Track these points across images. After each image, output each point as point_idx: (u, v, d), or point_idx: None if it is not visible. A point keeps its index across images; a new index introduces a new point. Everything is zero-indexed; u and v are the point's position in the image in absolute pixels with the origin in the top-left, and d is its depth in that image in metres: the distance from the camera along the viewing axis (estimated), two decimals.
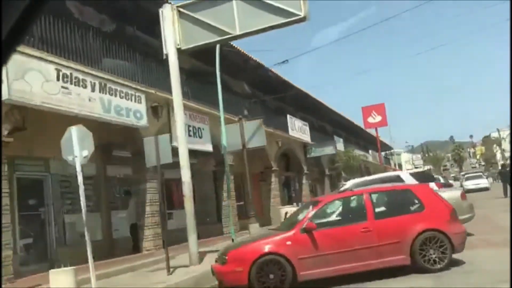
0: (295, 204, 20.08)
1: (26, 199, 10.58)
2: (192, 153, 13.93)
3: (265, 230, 11.15)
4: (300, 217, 8.32)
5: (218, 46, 13.02)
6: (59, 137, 11.14)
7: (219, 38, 10.85)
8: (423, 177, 13.08)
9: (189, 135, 14.08)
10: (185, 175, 10.54)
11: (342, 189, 13.28)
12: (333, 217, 7.74)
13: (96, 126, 11.67)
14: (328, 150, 25.78)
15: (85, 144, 7.35)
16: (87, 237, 7.36)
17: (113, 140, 12.60)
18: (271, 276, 7.01)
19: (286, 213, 13.62)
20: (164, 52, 11.13)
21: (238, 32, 10.54)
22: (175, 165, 12.95)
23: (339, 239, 7.24)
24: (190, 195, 10.53)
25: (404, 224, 7.31)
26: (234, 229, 16.81)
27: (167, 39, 10.85)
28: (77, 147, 7.33)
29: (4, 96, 8.38)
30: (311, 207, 7.83)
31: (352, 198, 7.90)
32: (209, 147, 15.51)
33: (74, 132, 7.36)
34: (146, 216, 12.10)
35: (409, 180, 12.48)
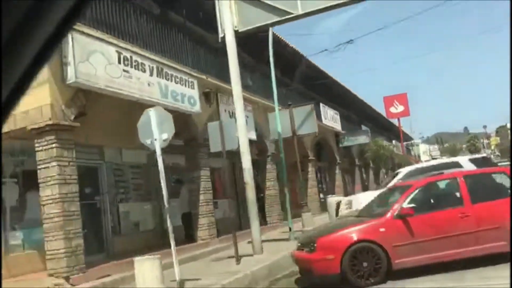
0: (334, 194, 19.62)
1: (83, 187, 10.26)
2: None
3: (332, 218, 10.71)
4: (384, 202, 7.96)
5: (270, 30, 12.60)
6: (112, 125, 10.89)
7: (278, 19, 10.43)
8: (483, 163, 12.59)
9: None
10: (246, 161, 10.18)
11: (397, 178, 12.85)
12: (426, 202, 7.33)
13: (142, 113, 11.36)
14: (362, 139, 25.26)
15: (165, 127, 7.00)
16: (169, 224, 7.08)
17: None
18: (365, 264, 6.65)
19: (339, 203, 13.18)
20: (220, 35, 10.76)
21: (300, 12, 10.13)
22: (216, 154, 12.60)
23: (435, 225, 6.84)
24: (252, 182, 10.19)
25: (504, 209, 6.87)
26: (279, 218, 16.50)
27: (224, 21, 10.47)
28: (156, 130, 6.98)
29: (71, 79, 8.05)
30: (401, 192, 7.42)
31: (445, 182, 7.48)
32: (253, 135, 15.11)
33: (153, 115, 7.01)
34: (200, 204, 11.77)
35: (469, 166, 12.01)
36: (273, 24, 10.85)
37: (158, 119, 7.00)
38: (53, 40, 0.75)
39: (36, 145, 7.88)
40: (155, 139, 6.98)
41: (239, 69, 10.49)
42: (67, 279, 7.52)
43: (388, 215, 6.88)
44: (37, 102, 7.84)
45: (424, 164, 13.66)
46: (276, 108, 13.17)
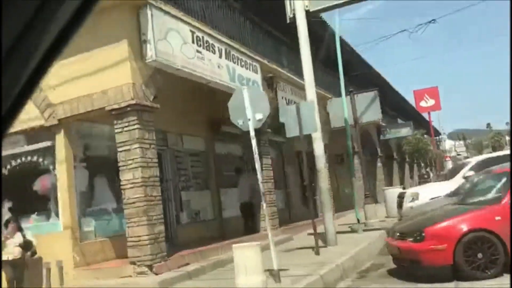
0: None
1: None
2: (282, 131, 13.06)
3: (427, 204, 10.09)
4: (486, 189, 7.41)
5: (337, 14, 12.10)
6: (174, 109, 10.48)
7: None
8: None
9: None
10: (319, 148, 9.71)
11: (467, 167, 12.26)
12: None
13: (202, 99, 10.95)
14: (404, 131, 24.54)
15: (260, 107, 6.54)
16: (265, 207, 6.62)
17: (222, 115, 11.83)
18: (480, 255, 6.13)
19: (402, 194, 12.56)
20: (289, 15, 10.28)
21: None
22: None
23: None
24: (325, 170, 9.70)
25: None
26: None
27: (295, 1, 9.98)
28: (250, 109, 6.52)
29: (151, 57, 7.65)
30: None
31: None
32: None
33: (246, 93, 6.55)
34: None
35: None
36: (346, 4, 10.32)
37: (252, 98, 6.54)
38: (56, 47, 0.74)
39: (116, 126, 7.49)
40: (249, 119, 6.51)
41: (310, 49, 9.96)
42: (150, 267, 7.13)
43: (504, 201, 6.33)
44: (117, 81, 7.47)
45: (493, 155, 13.14)
46: (343, 96, 12.65)
